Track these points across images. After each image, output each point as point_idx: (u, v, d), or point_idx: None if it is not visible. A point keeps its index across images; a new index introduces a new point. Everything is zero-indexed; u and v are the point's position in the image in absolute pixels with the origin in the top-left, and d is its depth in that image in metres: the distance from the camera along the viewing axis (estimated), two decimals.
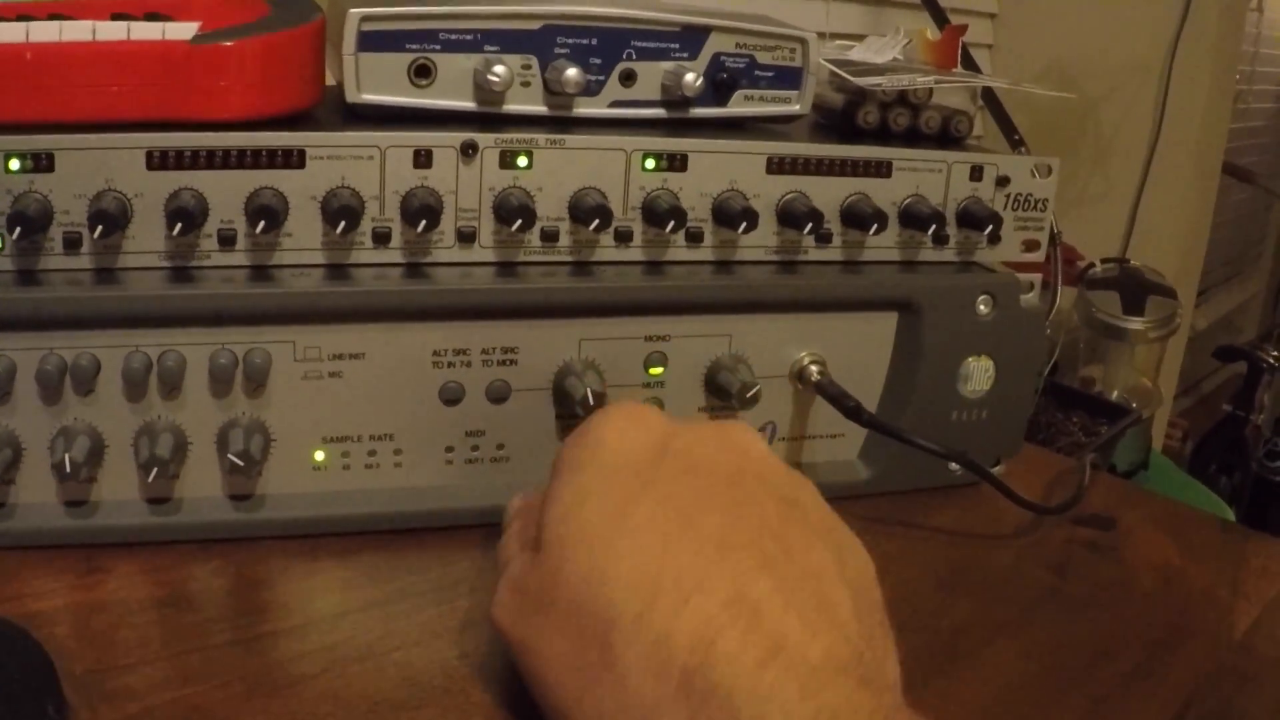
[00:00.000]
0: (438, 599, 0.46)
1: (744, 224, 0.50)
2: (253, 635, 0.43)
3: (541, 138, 0.49)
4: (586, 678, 0.34)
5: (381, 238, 0.49)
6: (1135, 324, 1.63)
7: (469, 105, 0.51)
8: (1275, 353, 2.00)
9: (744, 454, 0.39)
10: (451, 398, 0.50)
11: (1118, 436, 1.50)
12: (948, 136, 0.60)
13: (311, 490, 0.50)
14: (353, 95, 0.49)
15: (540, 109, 0.52)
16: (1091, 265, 1.64)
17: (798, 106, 0.56)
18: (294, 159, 0.47)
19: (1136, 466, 1.68)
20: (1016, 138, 0.95)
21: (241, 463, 0.46)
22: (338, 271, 0.48)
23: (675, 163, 0.51)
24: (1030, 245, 0.60)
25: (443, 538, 0.50)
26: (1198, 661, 0.46)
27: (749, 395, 0.50)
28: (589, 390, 0.48)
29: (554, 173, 0.50)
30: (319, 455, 0.49)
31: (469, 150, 0.49)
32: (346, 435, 0.49)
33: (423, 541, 0.50)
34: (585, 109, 0.52)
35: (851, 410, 0.49)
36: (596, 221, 0.49)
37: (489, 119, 0.51)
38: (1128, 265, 1.67)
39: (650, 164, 0.51)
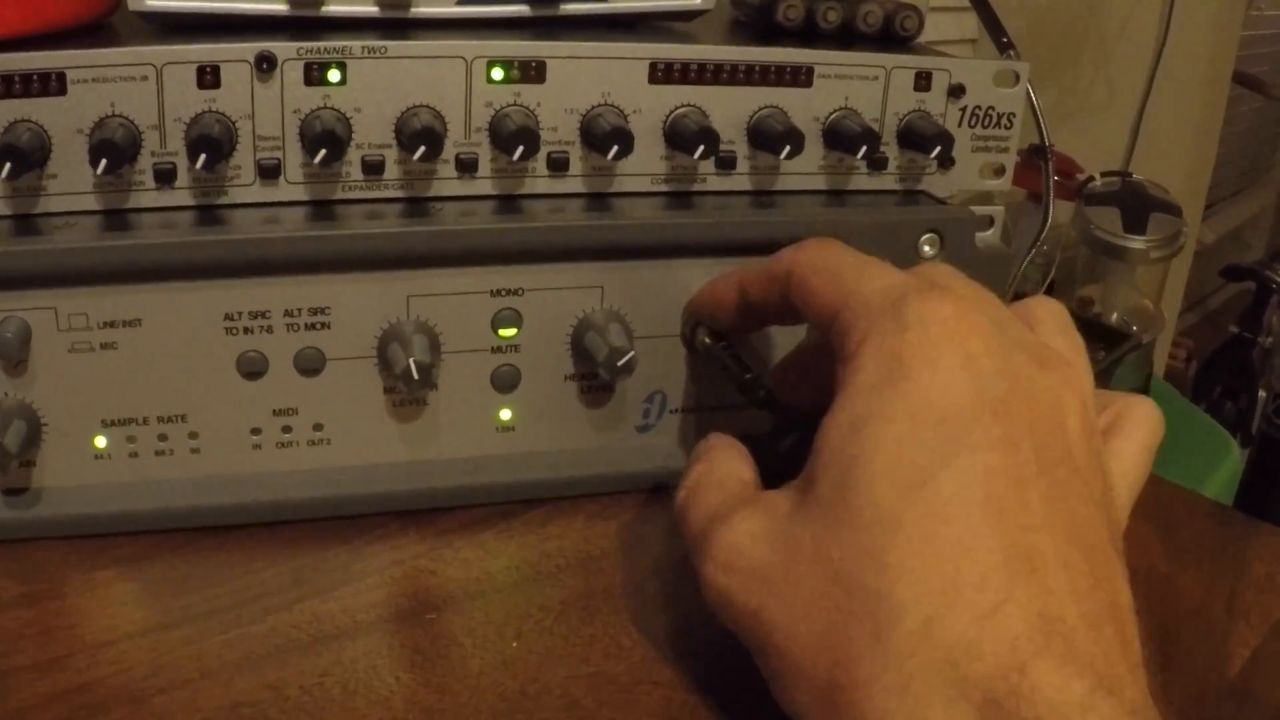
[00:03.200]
0: (225, 622, 0.37)
1: (615, 147, 0.40)
2: None
3: (357, 45, 0.39)
4: (852, 675, 0.29)
5: (164, 176, 0.39)
6: (1136, 243, 1.54)
7: (280, 8, 0.41)
8: None
9: (1065, 431, 0.32)
10: (252, 370, 0.40)
11: (1116, 362, 1.42)
12: (891, 36, 0.49)
13: (95, 482, 0.41)
14: (137, 2, 0.40)
15: (369, 9, 0.42)
16: (1091, 179, 1.55)
17: (699, 0, 0.46)
18: (52, 84, 0.37)
19: (1137, 393, 1.60)
20: (1005, 41, 0.84)
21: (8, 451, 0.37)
22: (115, 219, 0.39)
23: (530, 72, 0.41)
24: (993, 171, 0.50)
25: (249, 537, 0.41)
26: (1177, 711, 0.36)
27: (620, 364, 0.40)
28: (412, 362, 0.39)
29: (375, 89, 0.40)
30: (100, 441, 0.40)
31: (264, 64, 0.39)
32: (130, 417, 0.40)
33: (227, 541, 0.41)
34: (426, 8, 0.42)
35: (747, 384, 0.39)
36: (423, 149, 0.39)
37: (306, 24, 0.41)
38: (1130, 179, 1.57)
39: (498, 74, 0.40)
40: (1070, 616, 0.29)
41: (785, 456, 0.37)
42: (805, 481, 0.33)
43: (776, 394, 0.41)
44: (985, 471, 0.31)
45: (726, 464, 0.37)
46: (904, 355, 0.32)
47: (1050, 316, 0.36)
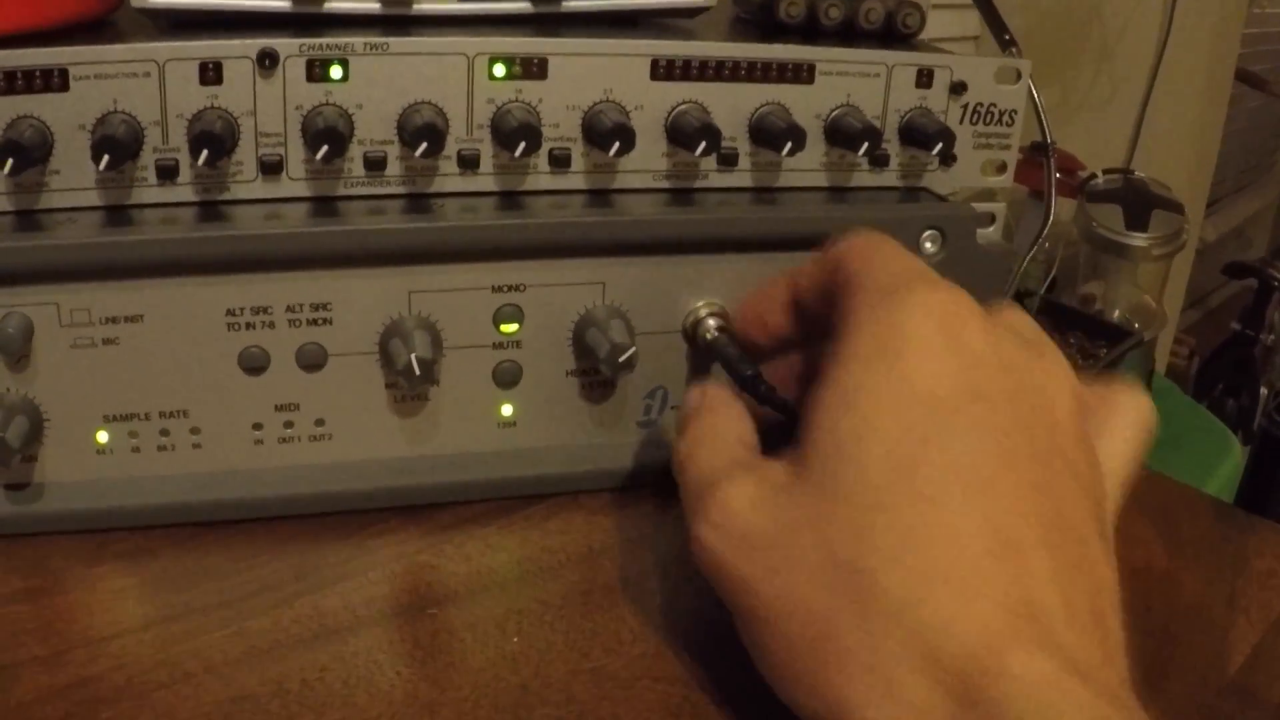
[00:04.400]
0: (225, 618, 0.37)
1: (616, 143, 0.40)
2: None
3: (359, 42, 0.39)
4: (832, 650, 0.30)
5: (166, 172, 0.39)
6: (1138, 240, 1.54)
7: (282, 4, 0.41)
8: None
9: (1055, 419, 0.33)
10: (254, 365, 0.40)
11: (1118, 360, 1.42)
12: (892, 33, 0.49)
13: (97, 477, 0.41)
14: None
15: (372, 6, 0.42)
16: (1093, 176, 1.54)
17: None
18: (55, 80, 0.37)
19: None
20: (1007, 38, 0.84)
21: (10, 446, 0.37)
22: (117, 215, 0.39)
23: (532, 69, 0.41)
24: (995, 168, 0.50)
25: (251, 532, 0.41)
26: (1177, 709, 0.36)
27: (620, 360, 0.40)
28: (413, 357, 0.39)
29: (377, 85, 0.40)
30: (102, 436, 0.40)
31: (267, 60, 0.39)
32: (132, 413, 0.40)
33: (228, 536, 0.41)
34: (428, 4, 0.42)
35: (749, 380, 0.39)
36: (425, 145, 0.39)
37: (308, 20, 0.41)
38: (1132, 177, 1.57)
39: (500, 70, 0.40)
40: (1048, 602, 0.30)
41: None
42: (800, 454, 0.33)
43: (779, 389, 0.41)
44: (973, 455, 0.31)
45: (728, 422, 0.37)
46: (899, 334, 0.33)
47: (1021, 320, 0.37)
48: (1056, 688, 0.28)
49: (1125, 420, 0.36)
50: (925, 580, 0.30)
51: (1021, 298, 1.34)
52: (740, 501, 0.33)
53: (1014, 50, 0.78)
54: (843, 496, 0.31)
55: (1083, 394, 0.35)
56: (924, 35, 0.51)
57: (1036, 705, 0.28)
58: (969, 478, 0.31)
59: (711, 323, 0.43)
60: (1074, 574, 0.31)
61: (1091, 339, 1.45)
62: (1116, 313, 1.63)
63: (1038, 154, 0.70)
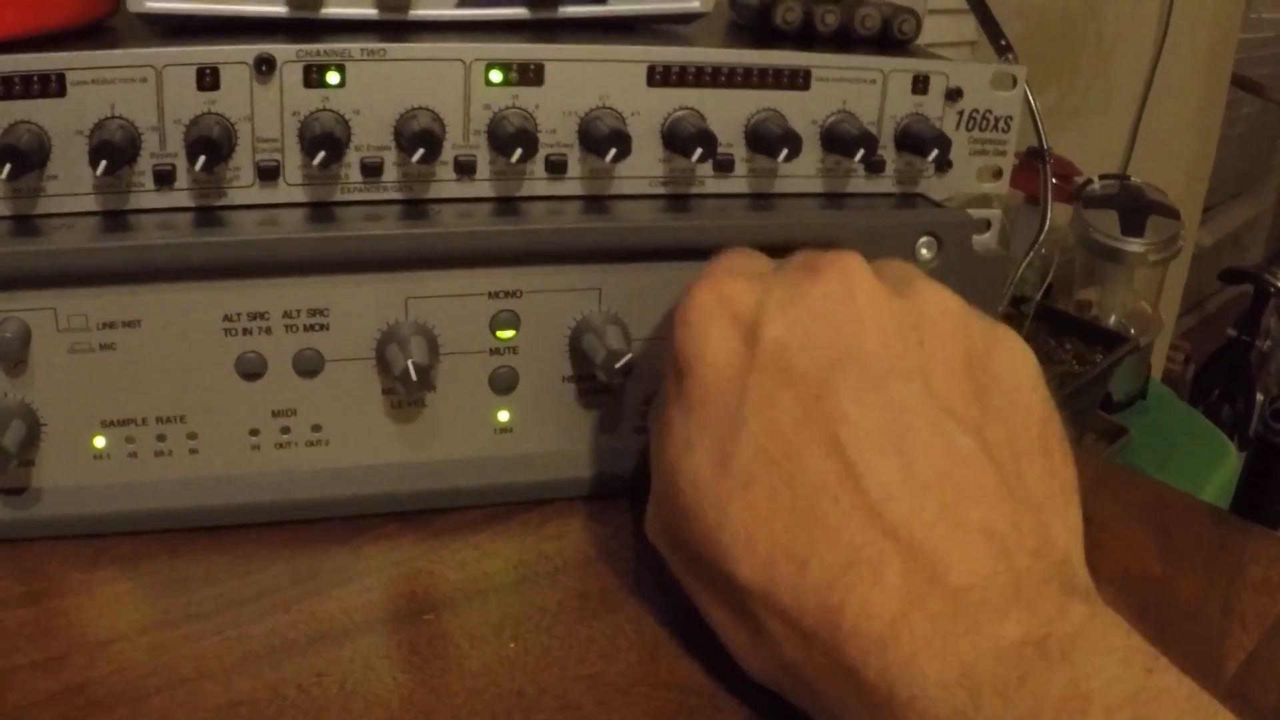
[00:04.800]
0: (222, 623, 0.37)
1: (613, 149, 0.40)
2: None
3: (356, 48, 0.39)
4: (741, 632, 0.34)
5: (164, 177, 0.39)
6: (1134, 245, 1.54)
7: (279, 10, 0.41)
8: None
9: (841, 328, 0.34)
10: (251, 371, 0.40)
11: (1114, 365, 1.42)
12: (889, 39, 0.49)
13: (94, 483, 0.41)
14: (136, 3, 0.40)
15: (369, 11, 0.42)
16: (1089, 182, 1.55)
17: (697, 2, 0.46)
18: (52, 85, 0.37)
19: (1134, 396, 1.60)
20: (1004, 43, 0.84)
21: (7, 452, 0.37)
22: (114, 221, 0.39)
23: (528, 74, 0.41)
24: (991, 174, 0.50)
25: (248, 537, 0.41)
26: None
27: (617, 366, 0.41)
28: (410, 363, 0.39)
29: (374, 91, 0.40)
30: (99, 442, 0.40)
31: (264, 66, 0.39)
32: (129, 418, 0.40)
33: (225, 542, 0.41)
34: (426, 10, 0.42)
35: None
36: (421, 151, 0.39)
37: (305, 26, 0.41)
38: (1128, 182, 1.57)
39: (496, 76, 0.41)
40: (871, 543, 0.31)
41: None
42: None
43: None
44: (768, 428, 0.33)
45: None
46: (684, 349, 0.36)
47: (902, 268, 0.38)
48: (899, 625, 0.29)
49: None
50: (766, 564, 0.32)
51: (1018, 303, 1.34)
52: (661, 495, 0.37)
53: (1010, 56, 0.78)
54: (686, 508, 0.35)
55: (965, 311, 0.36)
56: (920, 41, 0.51)
57: (880, 645, 0.29)
58: (773, 451, 0.33)
59: None
60: (896, 484, 0.31)
61: (1088, 344, 1.45)
62: (1113, 318, 1.63)
63: (1034, 159, 0.69)
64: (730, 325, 0.35)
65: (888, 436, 0.32)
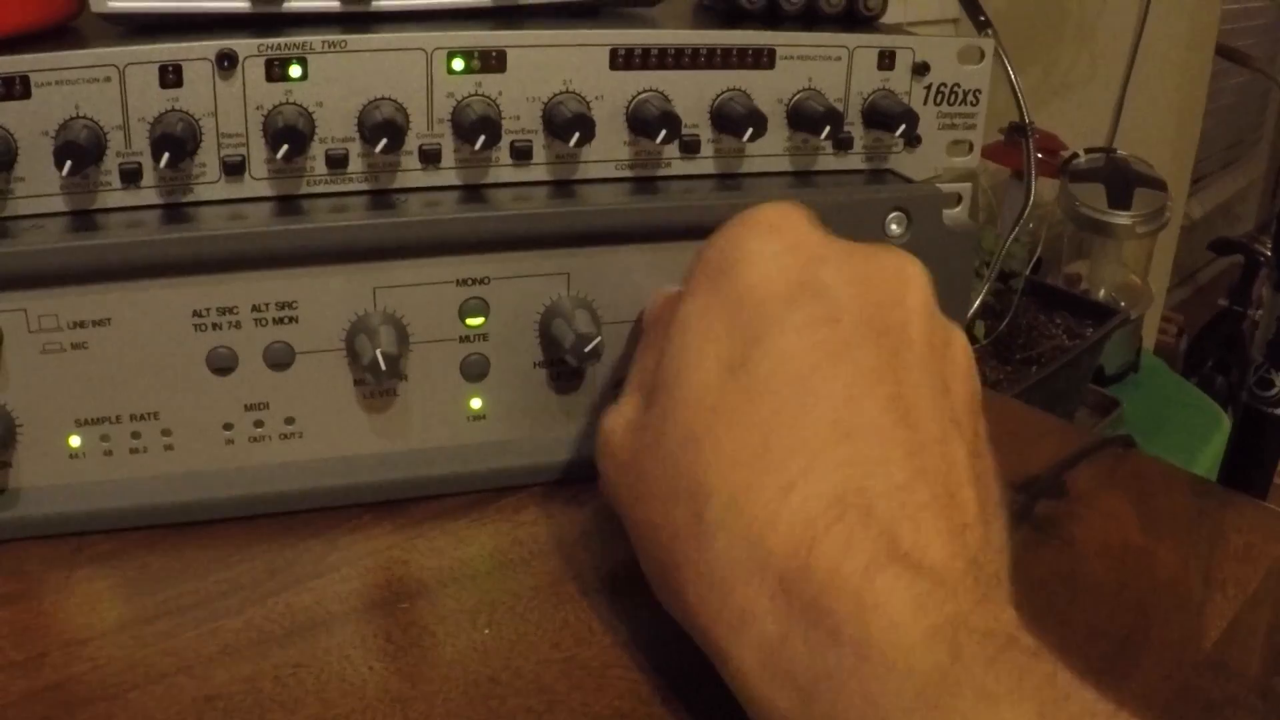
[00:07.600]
0: (199, 617, 0.37)
1: (576, 134, 0.40)
2: None
3: (317, 40, 0.39)
4: (674, 558, 0.32)
5: (130, 175, 0.39)
6: (1121, 218, 1.54)
7: (241, 5, 0.41)
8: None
9: (897, 304, 0.34)
10: (222, 366, 0.40)
11: (1104, 338, 1.42)
12: (855, 17, 0.49)
13: (70, 481, 0.41)
14: (99, 3, 0.40)
15: (331, 4, 0.41)
16: (1075, 155, 1.54)
17: None
18: (16, 87, 0.37)
19: (1126, 369, 1.60)
20: (983, 19, 0.84)
21: None
22: (82, 220, 0.39)
23: (490, 61, 0.41)
24: (961, 148, 0.50)
25: (224, 531, 0.42)
26: (1152, 684, 0.36)
27: (586, 350, 0.41)
28: (379, 353, 0.39)
29: (336, 83, 0.40)
30: (74, 441, 0.40)
31: (226, 61, 0.39)
32: (103, 416, 0.40)
33: (201, 536, 0.41)
34: (388, 1, 0.42)
35: None
36: (385, 141, 0.39)
37: (268, 21, 0.41)
38: (1114, 155, 1.57)
39: (458, 64, 0.40)
40: (875, 486, 0.30)
41: None
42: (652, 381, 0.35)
43: None
44: (800, 348, 0.32)
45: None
46: (727, 253, 0.34)
47: None
48: (872, 575, 0.28)
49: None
50: (746, 474, 0.30)
51: (1006, 279, 1.34)
52: (617, 421, 0.36)
53: (989, 32, 0.78)
54: (676, 405, 0.32)
55: (932, 291, 0.35)
56: (903, 19, 0.51)
57: (854, 593, 0.28)
58: (798, 368, 0.31)
59: None
60: (908, 454, 0.30)
61: (1077, 318, 1.45)
62: (1102, 292, 1.63)
63: (1017, 134, 0.69)
64: (786, 251, 0.34)
65: (899, 410, 0.32)
